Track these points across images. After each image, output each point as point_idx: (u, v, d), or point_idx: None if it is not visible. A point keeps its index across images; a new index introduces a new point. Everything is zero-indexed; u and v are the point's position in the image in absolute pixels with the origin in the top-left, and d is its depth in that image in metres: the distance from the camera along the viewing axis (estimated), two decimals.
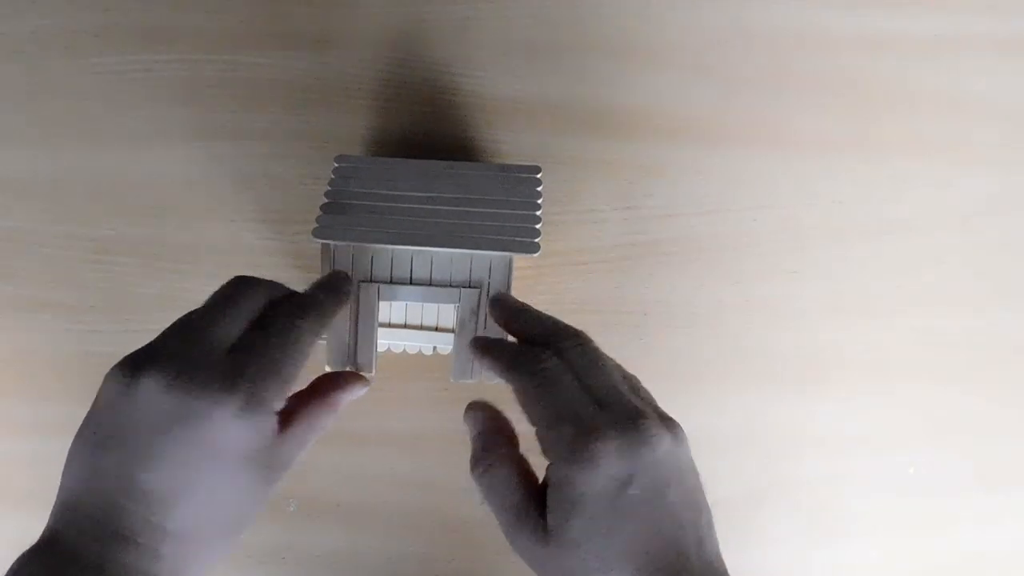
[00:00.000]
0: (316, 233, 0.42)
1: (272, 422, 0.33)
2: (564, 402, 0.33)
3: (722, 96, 0.51)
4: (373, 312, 0.43)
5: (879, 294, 0.52)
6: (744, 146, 0.51)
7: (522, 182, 0.45)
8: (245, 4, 0.49)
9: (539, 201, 0.44)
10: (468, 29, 0.50)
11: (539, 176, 0.46)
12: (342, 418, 0.51)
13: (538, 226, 0.43)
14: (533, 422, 0.34)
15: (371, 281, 0.43)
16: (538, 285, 0.51)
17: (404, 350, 0.46)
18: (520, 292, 0.50)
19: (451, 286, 0.43)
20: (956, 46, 0.52)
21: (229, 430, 0.31)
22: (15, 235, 0.50)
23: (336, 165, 0.45)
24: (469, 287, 0.43)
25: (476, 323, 0.43)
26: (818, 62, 0.51)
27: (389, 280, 0.43)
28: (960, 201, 0.52)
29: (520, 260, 0.45)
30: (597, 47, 0.50)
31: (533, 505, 0.33)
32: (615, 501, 0.31)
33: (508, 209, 0.44)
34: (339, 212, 0.43)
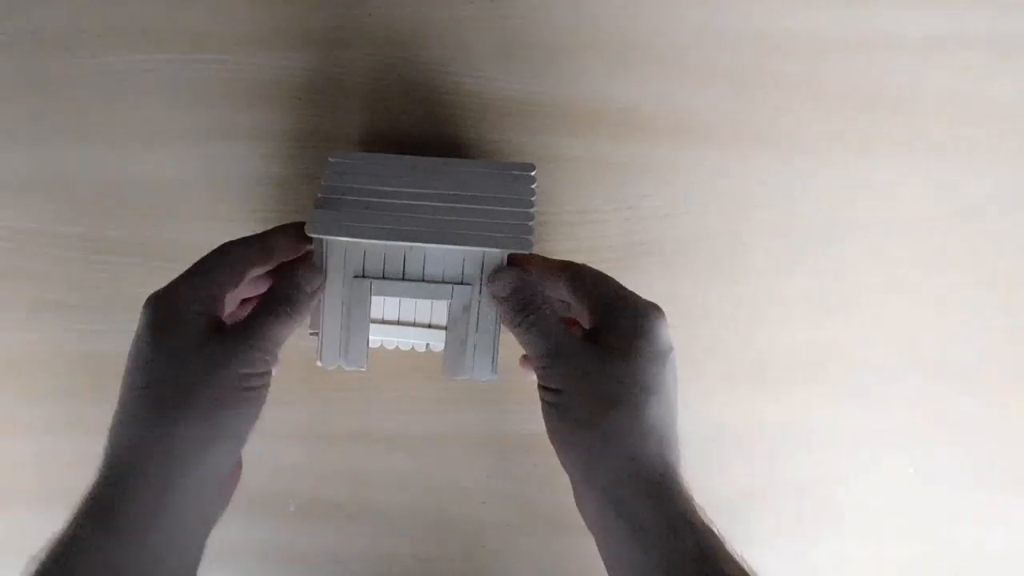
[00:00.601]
0: (310, 229, 0.42)
1: (193, 317, 0.37)
2: (618, 285, 0.41)
3: (722, 96, 0.51)
4: (366, 307, 0.42)
5: (880, 293, 0.52)
6: (745, 146, 0.51)
7: (516, 179, 0.45)
8: (245, 4, 0.49)
9: (533, 199, 0.44)
10: (468, 29, 0.50)
11: (533, 174, 0.46)
12: (342, 418, 0.52)
13: (531, 223, 0.43)
14: (593, 296, 0.41)
15: (364, 277, 0.43)
16: None
17: (397, 346, 0.46)
18: None
19: (444, 282, 0.43)
20: (956, 46, 0.52)
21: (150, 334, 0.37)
22: (15, 235, 0.50)
23: (332, 162, 0.45)
24: (462, 284, 0.43)
25: (468, 320, 0.43)
26: (818, 62, 0.51)
27: (382, 276, 0.43)
28: (960, 201, 0.52)
29: None
30: (596, 47, 0.50)
31: (579, 331, 0.41)
32: (668, 355, 0.39)
33: (502, 206, 0.44)
34: (333, 208, 0.43)
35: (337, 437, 0.52)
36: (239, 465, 0.40)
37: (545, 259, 0.43)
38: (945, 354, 0.53)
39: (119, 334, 0.50)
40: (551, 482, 0.52)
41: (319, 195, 0.44)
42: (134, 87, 0.50)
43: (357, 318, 0.42)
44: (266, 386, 0.38)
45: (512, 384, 0.52)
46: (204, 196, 0.50)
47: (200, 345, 0.36)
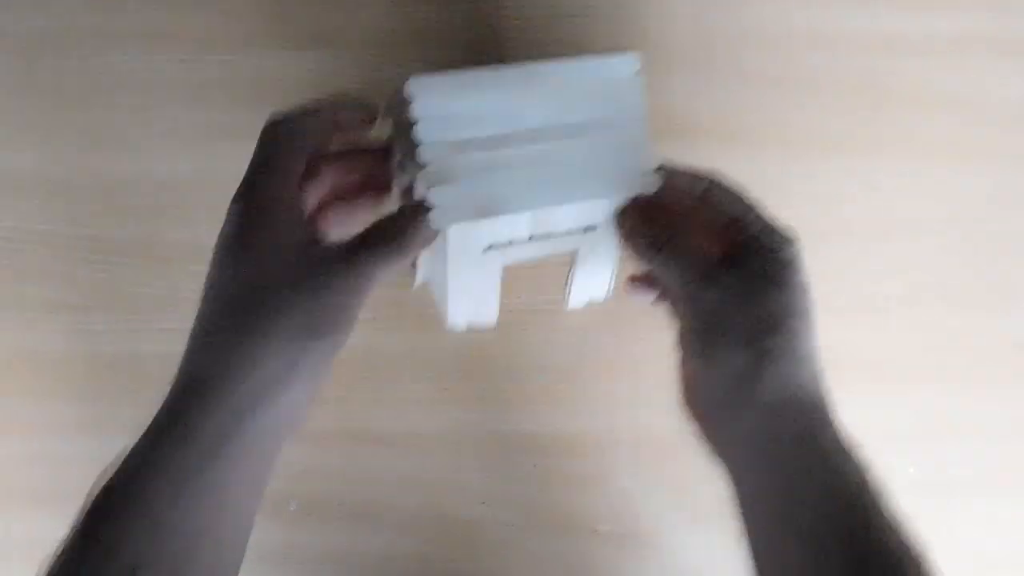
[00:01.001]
0: (439, 221, 0.35)
1: (290, 226, 0.35)
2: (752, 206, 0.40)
3: (723, 96, 0.51)
4: (496, 277, 0.41)
5: (879, 294, 0.52)
6: (744, 145, 0.51)
7: (620, 85, 0.40)
8: (245, 4, 0.49)
9: (643, 113, 0.40)
10: (468, 29, 0.50)
11: (637, 72, 0.40)
12: (342, 418, 0.52)
13: (650, 154, 0.40)
14: (728, 216, 0.39)
15: (491, 248, 0.39)
16: (539, 284, 0.50)
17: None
18: (521, 292, 0.50)
19: (570, 234, 0.40)
20: (956, 46, 0.52)
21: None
22: (15, 235, 0.50)
23: (414, 102, 0.37)
24: (585, 231, 0.41)
25: (594, 257, 0.42)
26: (820, 62, 0.51)
27: (509, 242, 0.39)
28: (960, 201, 0.52)
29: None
30: (598, 47, 0.50)
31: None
32: (810, 287, 0.38)
33: (612, 129, 0.39)
34: (447, 180, 0.36)
35: (337, 437, 0.52)
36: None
37: (672, 172, 0.40)
38: (946, 354, 0.53)
39: (119, 334, 0.51)
40: (551, 482, 0.52)
41: (422, 164, 0.37)
42: (134, 87, 0.50)
43: (488, 286, 0.41)
44: (358, 313, 0.35)
45: (512, 384, 0.52)
46: (204, 196, 0.50)
47: (300, 262, 0.34)
